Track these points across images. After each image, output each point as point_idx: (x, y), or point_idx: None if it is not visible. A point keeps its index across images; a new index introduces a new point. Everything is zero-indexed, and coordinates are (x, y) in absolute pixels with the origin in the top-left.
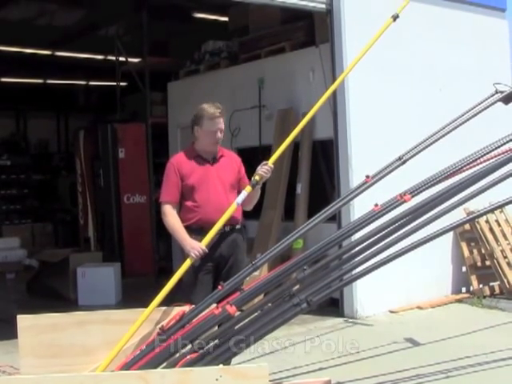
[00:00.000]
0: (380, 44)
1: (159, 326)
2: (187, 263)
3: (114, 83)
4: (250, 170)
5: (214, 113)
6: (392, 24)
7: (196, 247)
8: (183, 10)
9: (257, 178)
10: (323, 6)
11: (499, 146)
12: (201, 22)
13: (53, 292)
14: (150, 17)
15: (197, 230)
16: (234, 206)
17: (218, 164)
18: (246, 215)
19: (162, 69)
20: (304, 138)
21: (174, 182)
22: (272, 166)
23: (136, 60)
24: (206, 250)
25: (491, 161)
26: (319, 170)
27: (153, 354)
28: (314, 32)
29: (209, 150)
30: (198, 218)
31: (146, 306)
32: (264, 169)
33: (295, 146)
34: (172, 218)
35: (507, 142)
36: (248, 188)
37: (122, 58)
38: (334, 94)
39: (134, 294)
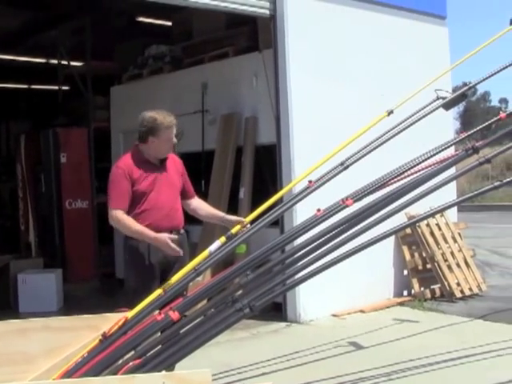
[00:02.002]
0: (323, 49)
1: (101, 332)
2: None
3: (57, 87)
4: (194, 176)
5: (171, 121)
6: (334, 30)
7: (167, 240)
8: (127, 14)
9: (233, 231)
10: (267, 11)
11: (439, 152)
12: (145, 27)
13: None
14: (94, 21)
15: None
16: (206, 253)
17: (165, 168)
18: (189, 220)
19: (105, 73)
20: (247, 143)
21: (125, 188)
22: (249, 225)
23: (79, 64)
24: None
25: (432, 166)
26: (262, 175)
27: (95, 361)
28: (258, 37)
29: (162, 156)
30: (146, 223)
31: (87, 312)
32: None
33: (238, 150)
34: (128, 221)
35: (447, 147)
36: (222, 239)
37: (64, 62)
38: (277, 98)
39: (75, 300)
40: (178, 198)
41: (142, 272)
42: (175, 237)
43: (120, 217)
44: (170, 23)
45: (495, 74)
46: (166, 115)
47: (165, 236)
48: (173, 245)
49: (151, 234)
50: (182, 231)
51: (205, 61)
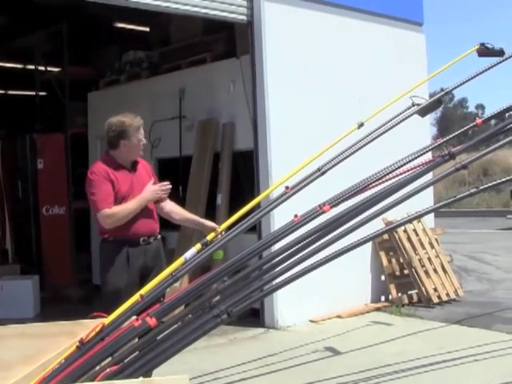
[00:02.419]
0: (300, 55)
1: (78, 338)
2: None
3: (34, 93)
4: (171, 182)
5: (139, 122)
6: (311, 36)
7: (154, 187)
8: (105, 19)
9: (208, 238)
10: (244, 17)
11: (416, 158)
12: (122, 32)
13: None
14: (71, 26)
15: (121, 242)
16: (181, 260)
17: (137, 172)
18: (167, 226)
19: (83, 78)
20: (224, 149)
21: (108, 190)
22: (223, 233)
23: (56, 69)
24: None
25: (409, 172)
26: (240, 181)
27: (72, 368)
28: (235, 43)
29: (134, 158)
30: (124, 230)
31: (64, 318)
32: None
33: (215, 156)
34: (119, 208)
35: (424, 153)
36: (198, 246)
37: (41, 67)
38: (255, 105)
39: (53, 307)
40: (152, 202)
41: (121, 276)
42: (151, 182)
43: (110, 211)
44: (147, 29)
45: (470, 79)
46: (132, 117)
47: (150, 187)
48: (158, 185)
49: (141, 197)
50: (159, 236)
51: (182, 67)
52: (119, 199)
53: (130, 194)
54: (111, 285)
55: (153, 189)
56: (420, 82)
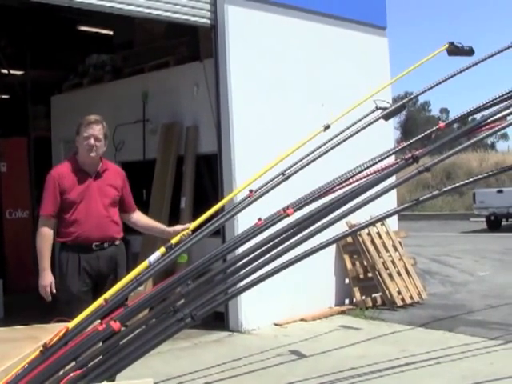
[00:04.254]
0: (264, 59)
1: (42, 343)
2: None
3: None
4: (135, 185)
5: (90, 119)
6: (275, 40)
7: (46, 285)
8: (68, 22)
9: (173, 241)
10: (207, 21)
11: (380, 161)
12: (86, 35)
13: None
14: (34, 29)
15: (73, 247)
16: (145, 264)
17: (101, 179)
18: (130, 230)
19: (46, 81)
20: (188, 153)
21: (54, 195)
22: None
23: (19, 72)
24: (54, 292)
25: (372, 175)
26: (203, 185)
27: (35, 372)
28: (199, 47)
29: (87, 160)
30: (76, 235)
31: (28, 323)
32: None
33: (179, 160)
34: (43, 240)
35: (387, 156)
36: (162, 249)
37: (4, 70)
38: (218, 108)
39: (16, 311)
40: (110, 208)
41: (73, 280)
42: (54, 289)
43: (41, 231)
44: (111, 32)
45: (435, 86)
46: (91, 115)
47: (48, 281)
48: (48, 293)
49: (44, 265)
50: (118, 242)
51: (145, 70)
52: (69, 204)
53: (83, 200)
54: (64, 289)
55: (44, 282)
56: (384, 85)
